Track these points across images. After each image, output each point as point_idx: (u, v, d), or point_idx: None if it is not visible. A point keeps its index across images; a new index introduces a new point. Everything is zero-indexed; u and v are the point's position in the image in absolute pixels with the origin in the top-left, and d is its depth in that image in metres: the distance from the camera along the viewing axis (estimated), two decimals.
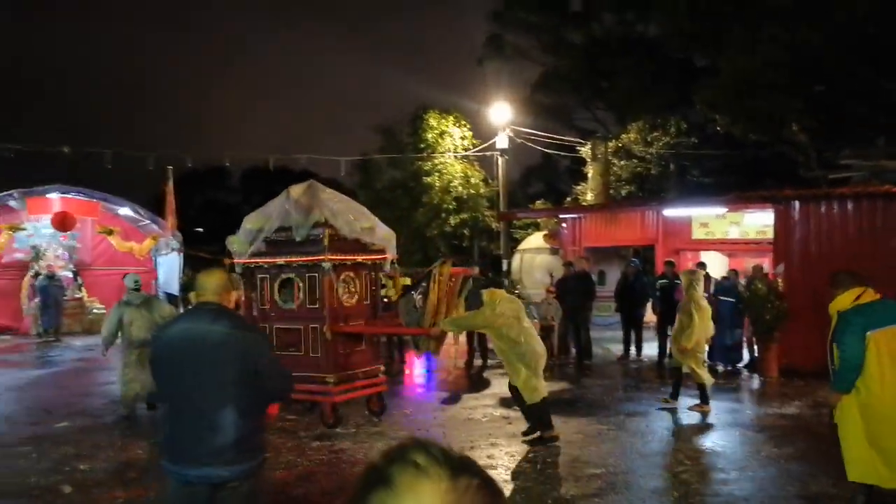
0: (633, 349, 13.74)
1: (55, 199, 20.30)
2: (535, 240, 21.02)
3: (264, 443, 3.79)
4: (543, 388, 7.49)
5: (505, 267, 21.25)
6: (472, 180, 25.61)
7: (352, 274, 8.90)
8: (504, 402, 9.78)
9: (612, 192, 22.93)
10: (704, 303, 9.16)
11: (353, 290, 8.93)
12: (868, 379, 4.95)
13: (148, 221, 21.50)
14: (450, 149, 25.34)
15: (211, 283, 3.79)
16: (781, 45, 18.65)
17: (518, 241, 22.94)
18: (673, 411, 9.06)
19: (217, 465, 3.48)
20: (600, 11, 30.27)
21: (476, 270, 14.18)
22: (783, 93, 18.96)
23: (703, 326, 8.91)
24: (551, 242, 19.67)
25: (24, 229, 19.83)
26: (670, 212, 17.21)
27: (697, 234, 16.90)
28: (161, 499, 4.10)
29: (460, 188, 25.20)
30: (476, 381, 11.79)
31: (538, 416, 7.53)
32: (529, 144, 24.52)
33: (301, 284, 8.65)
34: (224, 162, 26.86)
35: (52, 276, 18.46)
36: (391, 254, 9.30)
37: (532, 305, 15.13)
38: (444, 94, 51.59)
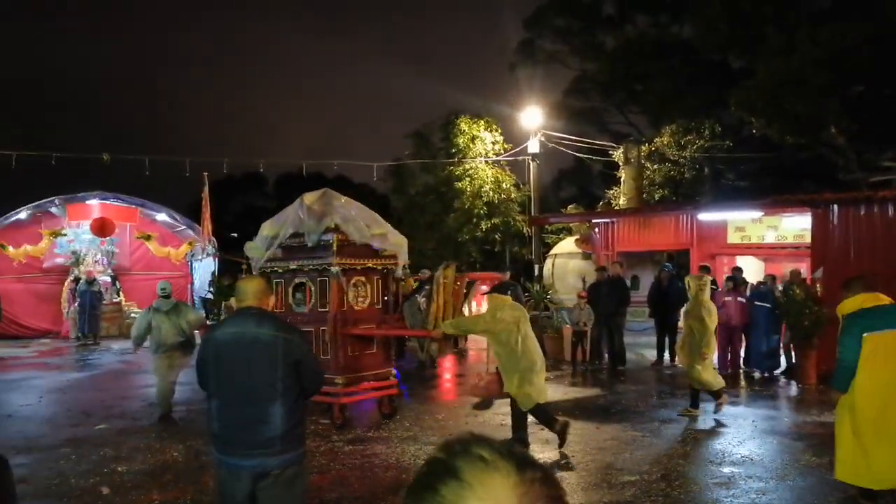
0: (667, 355, 13.61)
1: (95, 205, 20.72)
2: (568, 245, 20.91)
3: (304, 434, 4.15)
4: (539, 393, 7.48)
5: (536, 272, 21.17)
6: (504, 185, 25.56)
7: (363, 278, 9.23)
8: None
9: (645, 196, 22.73)
10: (713, 307, 9.12)
11: (364, 294, 9.26)
12: (859, 379, 5.09)
13: (184, 227, 21.82)
14: (481, 154, 25.32)
15: (251, 288, 4.10)
16: (820, 45, 18.36)
17: (550, 246, 22.83)
18: (713, 418, 8.95)
19: (267, 455, 3.81)
20: (634, 14, 30.11)
21: (507, 275, 14.17)
22: (821, 94, 18.65)
23: (713, 331, 8.96)
24: (583, 247, 19.56)
25: (64, 235, 20.26)
26: (705, 216, 17.01)
27: (733, 238, 16.67)
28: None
29: (492, 193, 25.16)
30: None
31: (543, 420, 7.61)
32: (561, 149, 24.43)
33: (312, 288, 9.02)
34: (259, 168, 27.13)
35: (91, 281, 18.80)
36: (402, 259, 9.55)
37: (564, 311, 15.07)
38: (475, 100, 51.59)
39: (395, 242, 9.46)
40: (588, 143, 24.68)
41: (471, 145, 25.34)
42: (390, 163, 27.13)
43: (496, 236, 25.47)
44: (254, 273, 9.11)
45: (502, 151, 25.42)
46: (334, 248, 8.72)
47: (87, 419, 9.47)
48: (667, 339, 13.63)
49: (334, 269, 8.77)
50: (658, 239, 17.87)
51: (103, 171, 20.31)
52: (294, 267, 9.10)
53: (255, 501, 3.86)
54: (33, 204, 20.64)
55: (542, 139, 23.05)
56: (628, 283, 15.71)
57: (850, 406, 5.22)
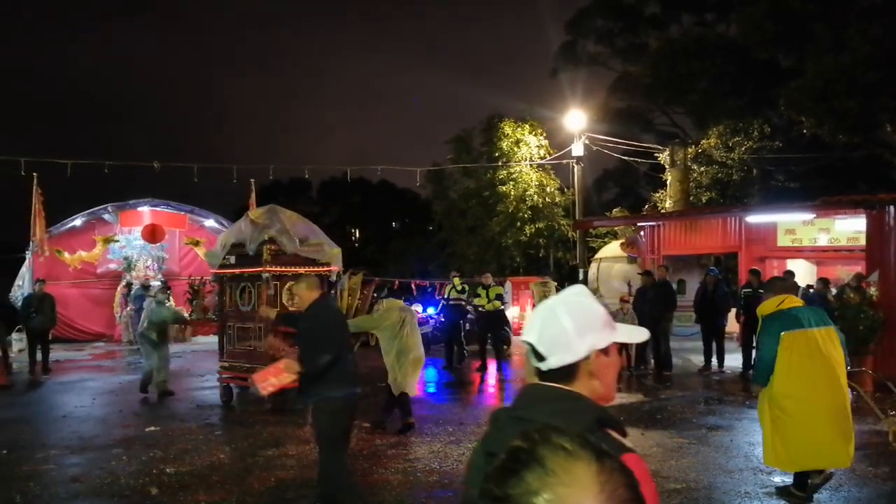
0: (714, 361, 13.38)
1: (146, 211, 21.19)
2: (613, 248, 20.71)
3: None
4: (409, 386, 8.65)
5: (581, 276, 21.01)
6: (548, 188, 25.41)
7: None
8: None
9: (691, 198, 22.40)
10: None
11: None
12: (778, 374, 5.55)
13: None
14: (525, 157, 25.22)
15: (299, 289, 5.43)
16: (871, 41, 17.90)
17: (595, 250, 22.64)
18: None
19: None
20: (678, 13, 29.76)
21: (549, 280, 14.10)
22: (874, 92, 18.17)
23: None
24: (628, 251, 19.35)
25: (117, 241, 20.74)
26: (754, 218, 16.68)
27: (783, 241, 16.32)
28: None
29: (535, 197, 25.04)
30: None
31: (399, 406, 8.72)
32: (606, 151, 24.22)
33: (252, 291, 10.62)
34: (304, 174, 27.50)
35: (146, 286, 19.23)
36: (337, 267, 11.11)
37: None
38: (519, 103, 51.44)
39: (330, 253, 10.99)
40: (633, 145, 24.42)
41: (515, 149, 25.26)
42: (431, 167, 27.19)
43: (540, 241, 25.33)
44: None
45: (547, 155, 25.29)
46: (265, 257, 10.29)
47: (138, 421, 9.68)
48: (714, 345, 13.40)
49: (265, 275, 10.31)
50: (705, 242, 17.59)
51: (155, 179, 20.77)
52: (238, 273, 10.75)
53: None
54: (87, 211, 21.20)
55: (587, 142, 22.89)
56: (674, 287, 15.49)
57: (769, 398, 5.69)
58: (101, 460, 7.59)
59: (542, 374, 1.73)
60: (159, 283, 20.59)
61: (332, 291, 10.67)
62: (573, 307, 1.72)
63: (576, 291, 1.78)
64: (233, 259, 10.78)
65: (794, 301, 5.81)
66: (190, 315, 12.81)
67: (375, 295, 10.16)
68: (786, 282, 6.22)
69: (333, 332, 5.51)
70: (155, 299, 12.04)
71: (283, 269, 10.49)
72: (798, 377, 5.51)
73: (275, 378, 5.50)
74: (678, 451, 7.68)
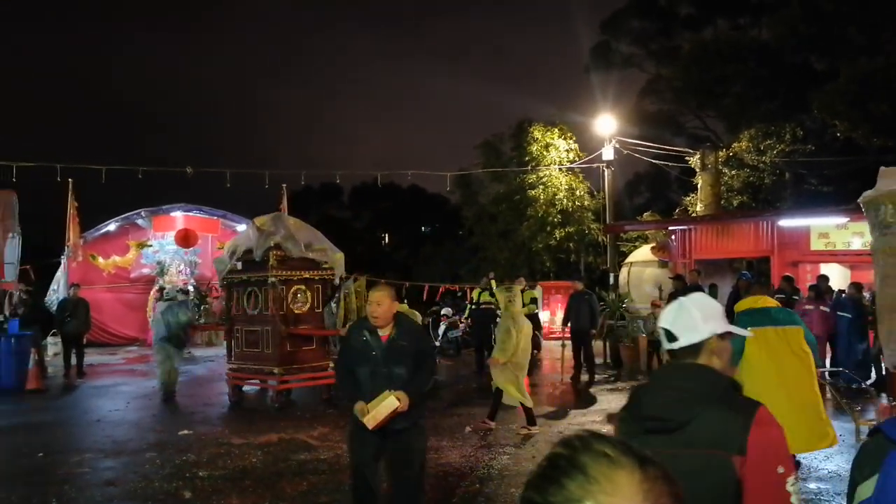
0: None
1: (179, 216, 21.47)
2: (643, 252, 20.56)
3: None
4: None
5: (612, 281, 20.88)
6: (578, 192, 25.29)
7: (302, 287, 11.14)
8: (613, 418, 9.62)
9: (723, 202, 22.16)
10: (523, 320, 8.87)
11: (304, 299, 11.17)
12: (744, 365, 5.83)
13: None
14: (555, 161, 25.13)
15: (383, 297, 4.59)
16: None
17: (625, 255, 22.49)
18: None
19: None
20: (713, 16, 29.52)
21: (580, 284, 14.03)
22: None
23: (523, 345, 8.67)
24: (659, 255, 19.19)
25: (150, 246, 21.04)
26: (786, 222, 16.47)
27: (816, 245, 16.08)
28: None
29: (565, 201, 24.93)
30: (583, 397, 11.63)
31: None
32: (636, 155, 24.06)
33: (259, 295, 10.99)
34: (335, 179, 27.67)
35: (185, 292, 19.46)
36: (339, 272, 11.56)
37: (640, 320, 14.82)
38: (549, 107, 51.36)
39: (333, 257, 11.38)
40: (664, 149, 24.24)
41: (544, 153, 25.19)
42: (461, 172, 27.22)
43: (570, 245, 25.22)
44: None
45: (576, 159, 25.19)
46: (271, 262, 10.69)
47: (171, 425, 9.79)
48: None
49: (272, 279, 10.70)
50: (737, 246, 17.40)
51: (188, 184, 21.05)
52: (246, 278, 11.13)
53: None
54: (121, 216, 21.54)
55: (617, 146, 22.76)
56: (706, 291, 15.33)
57: None
58: (134, 464, 7.69)
59: (673, 354, 2.26)
60: (191, 287, 20.91)
61: (337, 294, 11.30)
62: (699, 302, 2.27)
63: (699, 295, 2.37)
64: (240, 265, 11.20)
65: (768, 301, 6.33)
66: (198, 320, 13.12)
67: None
68: (763, 285, 6.67)
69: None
70: (175, 303, 12.42)
71: (289, 273, 10.94)
72: (759, 369, 5.84)
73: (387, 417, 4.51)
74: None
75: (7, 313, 14.17)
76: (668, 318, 2.26)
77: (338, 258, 11.47)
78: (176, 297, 12.38)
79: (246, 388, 11.89)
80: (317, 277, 11.30)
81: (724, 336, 2.22)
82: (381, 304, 4.53)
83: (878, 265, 6.97)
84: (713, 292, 17.28)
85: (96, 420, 10.30)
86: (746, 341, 5.76)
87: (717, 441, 2.02)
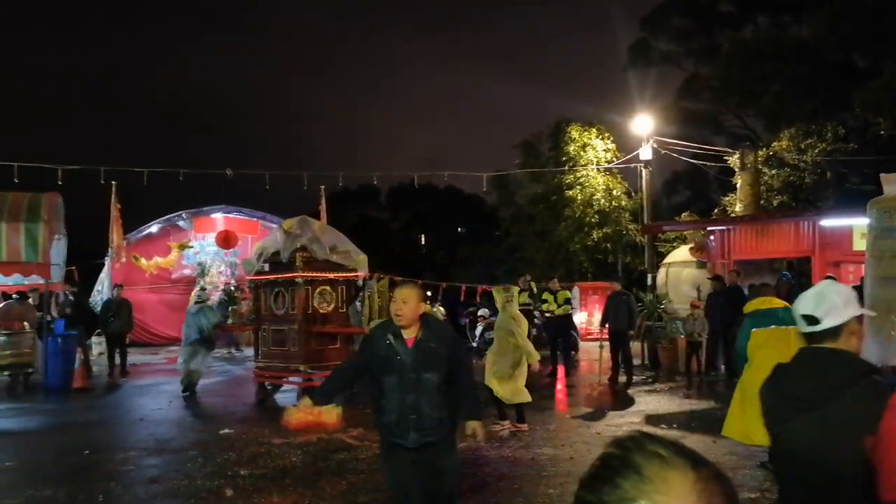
0: None
1: (219, 218, 21.79)
2: (682, 253, 20.34)
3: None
4: None
5: (650, 281, 20.70)
6: (615, 193, 25.11)
7: (327, 287, 11.51)
8: (651, 420, 9.56)
9: (763, 202, 21.82)
10: (522, 320, 8.91)
11: (329, 300, 11.54)
12: (748, 365, 6.37)
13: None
14: (592, 161, 24.98)
15: (411, 296, 4.19)
16: None
17: (663, 255, 22.27)
18: None
19: None
20: (753, 14, 29.11)
21: (618, 285, 13.95)
22: None
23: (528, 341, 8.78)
24: (698, 255, 18.97)
25: (191, 247, 21.38)
26: (828, 222, 16.17)
27: (859, 245, 15.72)
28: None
29: (603, 201, 24.77)
30: (621, 398, 11.55)
31: None
32: (674, 155, 23.81)
33: (286, 295, 11.37)
34: (373, 180, 27.79)
35: (226, 292, 19.74)
36: (363, 272, 11.99)
37: (678, 321, 14.67)
38: (586, 107, 51.04)
39: (357, 259, 11.80)
40: (702, 148, 23.95)
41: (581, 153, 25.05)
42: (498, 172, 27.17)
43: (607, 245, 25.04)
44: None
45: (614, 159, 25.01)
46: (298, 264, 11.11)
47: (212, 423, 9.95)
48: None
49: (299, 280, 11.12)
50: (777, 246, 17.13)
51: (228, 185, 21.33)
52: (273, 279, 11.56)
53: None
54: (163, 218, 21.92)
55: (655, 146, 22.56)
56: (745, 291, 15.13)
57: (742, 385, 6.45)
58: (177, 462, 7.84)
59: (812, 338, 2.45)
60: (232, 287, 21.18)
61: (361, 294, 11.54)
62: (837, 288, 2.52)
63: (832, 282, 2.63)
64: (267, 267, 11.62)
65: (774, 302, 6.72)
66: (225, 320, 13.40)
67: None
68: (766, 287, 7.72)
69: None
70: (206, 305, 12.75)
71: (315, 274, 11.34)
72: (761, 367, 5.86)
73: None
74: (752, 458, 7.50)
75: (54, 314, 14.50)
76: (810, 304, 2.45)
77: (361, 259, 11.87)
78: (205, 300, 12.67)
79: (283, 386, 12.05)
80: (341, 279, 11.69)
81: (860, 319, 2.44)
82: (407, 303, 4.14)
83: (883, 266, 7.32)
84: (753, 293, 17.04)
85: (139, 419, 10.50)
86: (753, 338, 6.39)
87: (854, 420, 2.24)
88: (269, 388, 11.97)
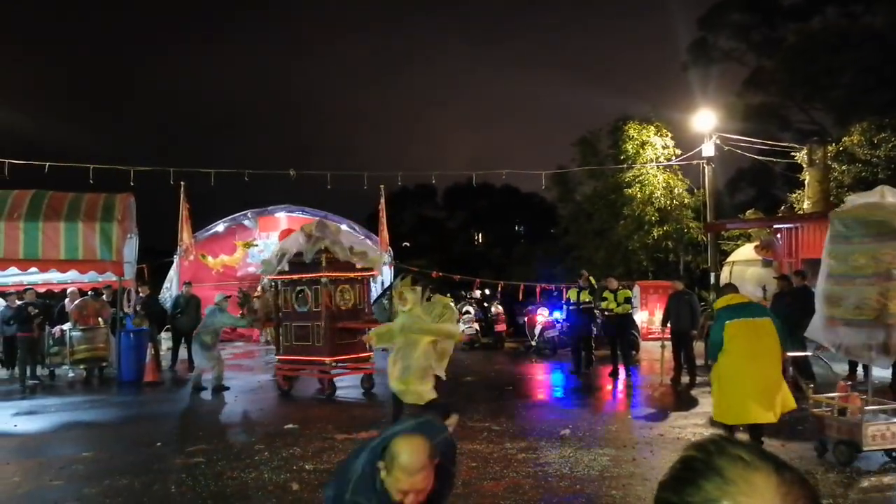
0: (860, 370, 12.65)
1: (282, 217, 22.22)
2: (746, 251, 19.92)
3: None
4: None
5: (713, 280, 20.33)
6: (676, 190, 24.71)
7: (347, 286, 12.25)
8: (715, 422, 9.39)
9: (832, 199, 21.18)
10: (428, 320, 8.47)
11: (349, 297, 12.26)
12: (724, 352, 7.48)
13: (362, 237, 22.83)
14: (651, 159, 24.63)
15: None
16: None
17: (727, 254, 21.83)
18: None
19: None
20: (820, 5, 28.32)
21: (680, 284, 13.73)
22: None
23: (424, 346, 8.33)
24: (763, 254, 18.54)
25: (256, 245, 21.82)
26: None
27: None
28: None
29: (663, 199, 24.40)
30: (684, 399, 11.40)
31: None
32: (738, 151, 23.30)
33: (309, 293, 12.02)
34: (430, 180, 27.92)
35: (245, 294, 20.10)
36: (378, 272, 12.81)
37: None
38: (645, 104, 50.33)
39: (372, 259, 12.53)
40: (768, 144, 23.38)
41: (640, 151, 24.74)
42: (557, 170, 27.00)
43: (668, 244, 24.66)
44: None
45: (673, 156, 24.63)
46: (324, 264, 11.79)
47: (277, 418, 10.18)
48: None
49: (324, 279, 11.82)
50: None
51: (291, 185, 21.73)
52: (296, 278, 12.14)
53: None
54: (229, 217, 22.43)
55: (718, 142, 22.13)
56: (814, 292, 14.71)
57: (718, 370, 7.64)
58: (244, 455, 8.03)
59: None
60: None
61: (389, 292, 12.31)
62: None
63: None
64: (287, 267, 12.18)
65: (740, 298, 7.98)
66: (241, 320, 13.81)
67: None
68: (733, 286, 9.17)
69: None
70: (218, 307, 13.08)
71: (339, 273, 12.10)
72: (734, 353, 7.42)
73: None
74: (824, 464, 7.34)
75: (126, 310, 15.01)
76: None
77: (376, 259, 12.64)
78: (222, 303, 13.07)
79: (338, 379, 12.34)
80: (359, 277, 12.44)
81: None
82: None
83: (834, 266, 8.18)
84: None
85: (207, 412, 10.80)
86: (727, 329, 7.46)
87: None
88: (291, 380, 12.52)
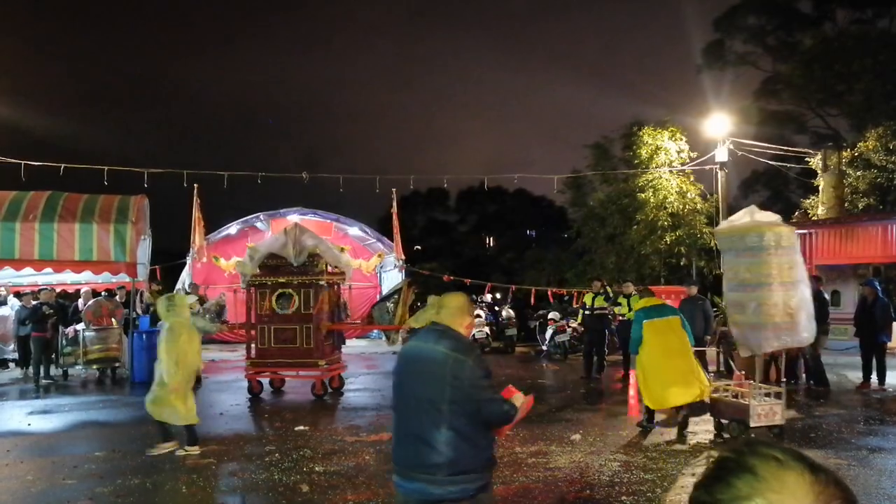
0: (874, 377, 12.55)
1: (295, 219, 22.23)
2: None
3: (487, 466, 3.63)
4: None
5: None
6: (689, 195, 24.58)
7: (312, 290, 12.35)
8: (726, 427, 9.34)
9: (847, 204, 21.05)
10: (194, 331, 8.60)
11: (325, 299, 12.47)
12: (643, 347, 8.96)
13: (374, 240, 22.89)
14: (665, 164, 24.52)
15: (450, 304, 3.81)
16: None
17: None
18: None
19: (429, 482, 3.48)
20: (835, 10, 28.16)
21: (694, 290, 13.67)
22: None
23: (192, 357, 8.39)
24: None
25: None
26: None
27: None
28: None
29: (676, 204, 24.28)
30: (696, 405, 11.29)
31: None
32: (752, 156, 23.19)
33: (297, 296, 12.14)
34: (442, 183, 27.95)
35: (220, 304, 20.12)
36: (348, 276, 12.98)
37: None
38: (658, 109, 50.15)
39: (346, 262, 12.65)
40: (782, 149, 23.25)
41: (654, 156, 24.63)
42: (570, 175, 26.94)
43: (681, 249, 24.53)
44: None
45: (687, 160, 24.51)
46: (323, 268, 12.14)
47: (288, 420, 10.20)
48: (874, 360, 12.58)
49: (322, 282, 12.11)
50: (862, 251, 16.52)
51: (304, 188, 21.78)
52: (281, 280, 12.17)
53: None
54: (241, 220, 22.50)
55: (731, 147, 22.03)
56: (828, 297, 14.64)
57: (640, 363, 9.05)
58: (255, 457, 8.07)
59: None
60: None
61: (395, 296, 12.53)
62: None
63: None
64: (258, 270, 12.23)
65: (655, 301, 9.42)
66: (221, 325, 14.12)
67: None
68: (647, 290, 10.18)
69: None
70: (197, 314, 13.03)
71: (333, 276, 12.44)
72: (652, 347, 8.88)
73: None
74: (837, 472, 7.27)
75: (139, 311, 15.09)
76: None
77: (349, 262, 12.83)
78: (200, 310, 13.21)
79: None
80: (331, 282, 12.68)
81: None
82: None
83: (734, 275, 9.04)
84: (836, 299, 16.50)
85: (219, 413, 10.84)
86: (644, 328, 8.90)
87: None
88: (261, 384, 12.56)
